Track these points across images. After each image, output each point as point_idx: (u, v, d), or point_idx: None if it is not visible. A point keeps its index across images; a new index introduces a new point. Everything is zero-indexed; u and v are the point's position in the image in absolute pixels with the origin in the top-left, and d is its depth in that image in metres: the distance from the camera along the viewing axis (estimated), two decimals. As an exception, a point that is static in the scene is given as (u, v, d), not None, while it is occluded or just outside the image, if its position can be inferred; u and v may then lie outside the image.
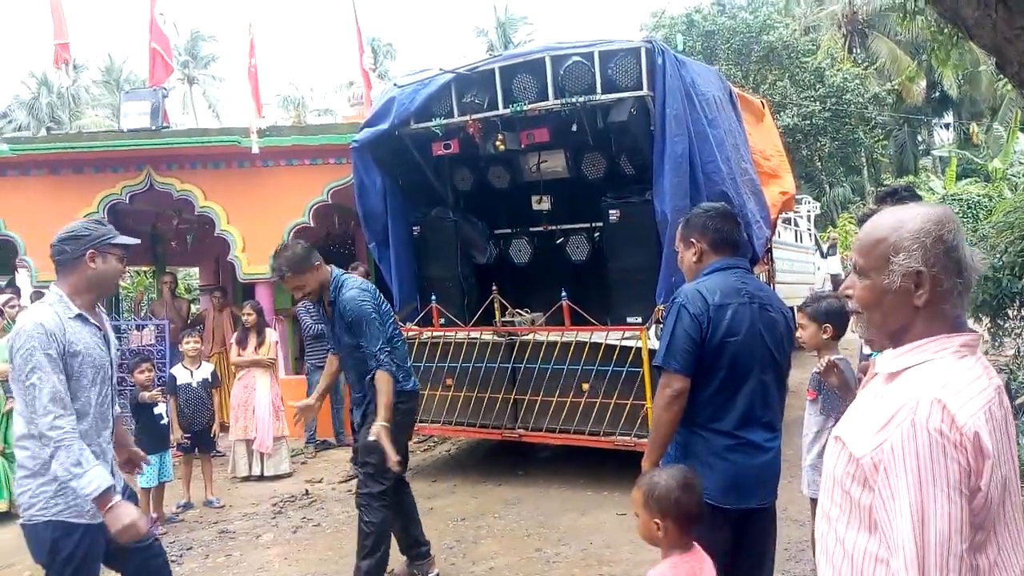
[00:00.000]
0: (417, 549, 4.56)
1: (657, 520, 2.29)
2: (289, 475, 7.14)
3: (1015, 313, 6.27)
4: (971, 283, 1.45)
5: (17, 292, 9.24)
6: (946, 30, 6.69)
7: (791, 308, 3.46)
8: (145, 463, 3.38)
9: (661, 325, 3.03)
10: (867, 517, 1.38)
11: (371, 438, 3.88)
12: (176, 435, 6.14)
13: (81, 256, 2.81)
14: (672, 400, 2.68)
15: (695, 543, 2.34)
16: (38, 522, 2.70)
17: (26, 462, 2.74)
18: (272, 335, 7.39)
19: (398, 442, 4.35)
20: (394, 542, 4.39)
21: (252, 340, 7.21)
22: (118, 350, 3.28)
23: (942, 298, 1.43)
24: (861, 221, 4.80)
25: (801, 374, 3.47)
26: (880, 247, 1.47)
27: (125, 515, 2.66)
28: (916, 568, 1.27)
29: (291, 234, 8.62)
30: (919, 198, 4.40)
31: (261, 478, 7.05)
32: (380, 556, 4.17)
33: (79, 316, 2.80)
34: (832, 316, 3.52)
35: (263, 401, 7.08)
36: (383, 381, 4.02)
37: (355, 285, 4.20)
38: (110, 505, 2.65)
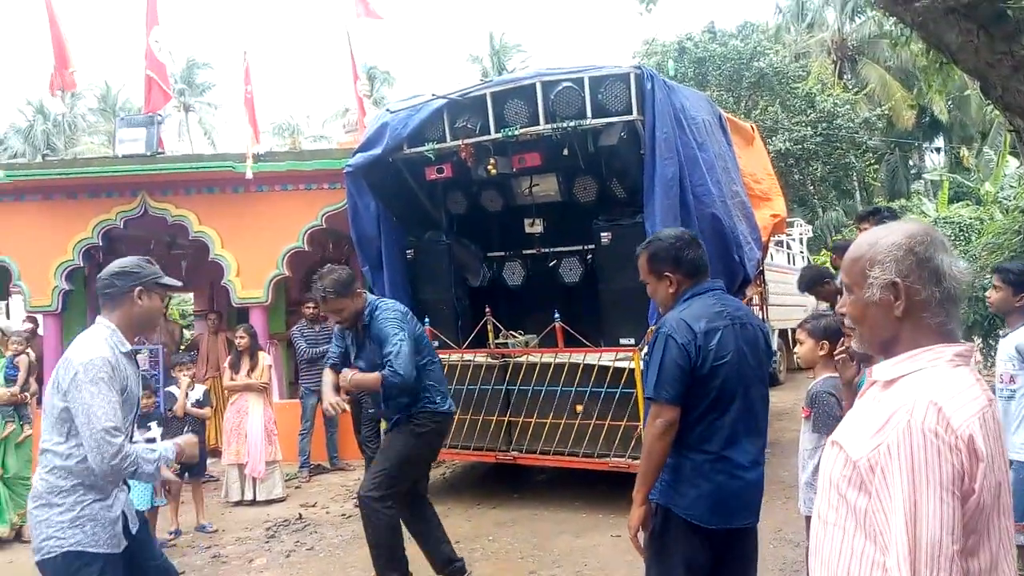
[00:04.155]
0: (452, 566, 4.56)
1: None
2: (283, 499, 7.10)
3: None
4: (955, 292, 1.48)
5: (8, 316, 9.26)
6: (932, 55, 6.81)
7: (786, 329, 3.49)
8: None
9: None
10: (864, 521, 1.40)
11: (344, 380, 4.23)
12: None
13: (129, 292, 2.83)
14: (665, 431, 2.68)
15: None
16: (56, 554, 2.62)
17: (42, 490, 2.67)
18: (265, 359, 7.37)
19: (422, 459, 4.53)
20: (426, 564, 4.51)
21: (245, 364, 7.20)
22: None
23: (921, 307, 1.47)
24: (835, 251, 4.87)
25: (796, 395, 3.51)
26: (859, 263, 1.54)
27: (188, 446, 2.99)
28: (908, 566, 1.29)
29: (285, 259, 8.68)
30: (897, 217, 4.47)
31: (254, 503, 7.00)
32: (399, 560, 4.30)
33: (129, 353, 2.84)
34: (829, 334, 3.55)
35: (256, 425, 7.05)
36: (375, 376, 4.16)
37: (390, 307, 4.33)
38: (176, 452, 2.92)
